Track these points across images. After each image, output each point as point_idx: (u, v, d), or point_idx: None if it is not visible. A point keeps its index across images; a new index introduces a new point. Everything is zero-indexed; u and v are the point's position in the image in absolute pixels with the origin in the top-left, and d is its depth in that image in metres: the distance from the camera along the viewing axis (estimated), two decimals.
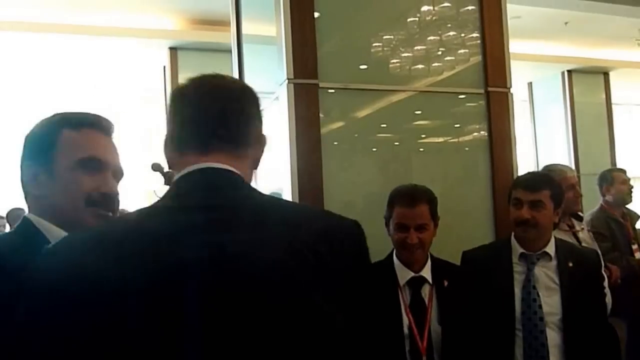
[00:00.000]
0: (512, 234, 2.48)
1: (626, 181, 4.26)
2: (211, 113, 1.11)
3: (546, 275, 2.41)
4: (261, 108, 1.19)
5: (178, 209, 1.02)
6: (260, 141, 1.17)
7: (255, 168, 1.17)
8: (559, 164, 3.55)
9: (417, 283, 2.29)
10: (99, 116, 1.47)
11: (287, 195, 2.61)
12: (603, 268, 2.78)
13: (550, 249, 2.44)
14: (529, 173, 2.63)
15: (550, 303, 2.36)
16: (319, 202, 2.61)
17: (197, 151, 1.09)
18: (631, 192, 4.27)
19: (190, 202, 1.03)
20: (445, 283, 2.29)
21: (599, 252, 2.68)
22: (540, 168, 3.71)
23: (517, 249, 2.45)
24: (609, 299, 2.75)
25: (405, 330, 2.21)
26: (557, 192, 2.43)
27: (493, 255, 2.50)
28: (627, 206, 4.30)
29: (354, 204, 2.80)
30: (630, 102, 10.47)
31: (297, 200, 2.55)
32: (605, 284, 2.69)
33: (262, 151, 1.18)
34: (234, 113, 1.12)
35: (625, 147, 9.35)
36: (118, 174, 1.47)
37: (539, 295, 2.36)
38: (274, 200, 1.20)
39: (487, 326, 2.31)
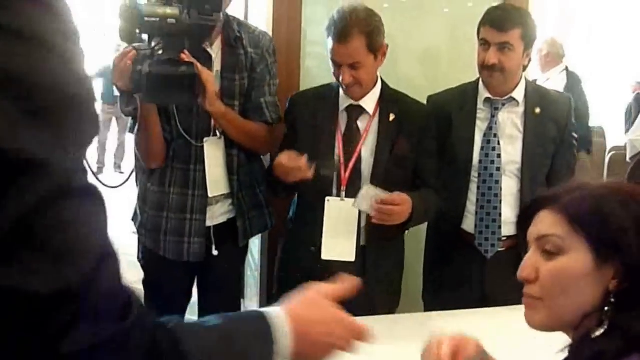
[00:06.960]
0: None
1: None
2: None
3: (511, 122, 2.28)
4: None
5: None
6: None
7: None
8: None
9: (354, 112, 2.17)
10: None
11: None
12: None
13: (519, 94, 2.26)
14: (500, 6, 2.38)
15: (511, 152, 2.25)
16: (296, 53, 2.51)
17: None
18: None
19: None
20: (392, 117, 2.14)
21: (572, 98, 2.49)
22: None
23: (483, 93, 2.28)
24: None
25: (336, 157, 2.13)
26: (529, 31, 2.19)
27: (458, 98, 2.34)
28: None
29: None
30: None
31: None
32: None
33: None
34: None
35: None
36: None
37: (499, 144, 2.25)
38: None
39: (441, 169, 2.23)
